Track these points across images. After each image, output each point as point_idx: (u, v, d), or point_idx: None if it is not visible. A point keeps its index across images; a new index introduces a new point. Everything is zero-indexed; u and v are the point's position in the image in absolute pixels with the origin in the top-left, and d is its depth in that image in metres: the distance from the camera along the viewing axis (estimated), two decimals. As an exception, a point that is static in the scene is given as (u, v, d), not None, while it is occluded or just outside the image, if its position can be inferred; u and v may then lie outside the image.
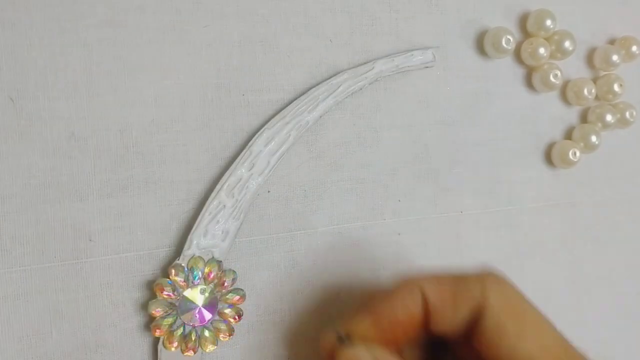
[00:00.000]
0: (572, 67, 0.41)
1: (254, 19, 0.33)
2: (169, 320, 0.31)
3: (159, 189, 0.31)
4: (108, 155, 0.31)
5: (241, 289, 0.32)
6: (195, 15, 0.32)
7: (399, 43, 0.36)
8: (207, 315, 0.31)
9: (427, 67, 0.36)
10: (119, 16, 0.31)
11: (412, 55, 0.36)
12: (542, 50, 0.38)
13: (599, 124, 0.40)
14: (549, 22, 0.39)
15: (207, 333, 0.31)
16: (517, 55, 0.39)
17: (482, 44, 0.38)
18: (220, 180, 0.32)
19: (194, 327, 0.31)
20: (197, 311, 0.31)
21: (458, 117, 0.38)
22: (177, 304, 0.31)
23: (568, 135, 0.41)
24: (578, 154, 0.39)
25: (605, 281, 0.41)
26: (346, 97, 0.34)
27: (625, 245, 0.42)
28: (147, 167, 0.31)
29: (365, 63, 0.35)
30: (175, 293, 0.31)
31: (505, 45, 0.37)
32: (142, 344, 0.31)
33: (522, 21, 0.40)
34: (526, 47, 0.39)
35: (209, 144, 0.32)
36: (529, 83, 0.40)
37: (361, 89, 0.35)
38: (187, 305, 0.31)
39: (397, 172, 0.36)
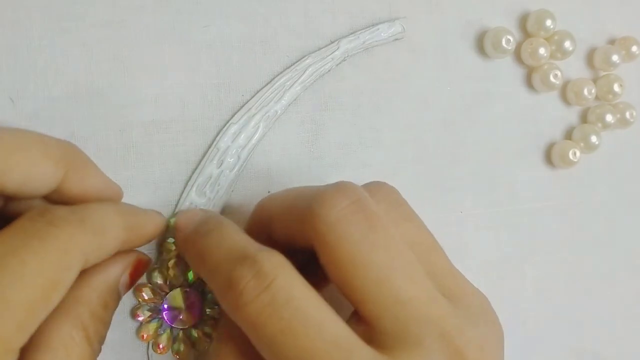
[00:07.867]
0: (572, 67, 0.41)
1: (254, 19, 0.33)
2: (155, 324, 0.30)
3: (159, 189, 0.31)
4: (108, 155, 0.30)
5: None
6: (195, 15, 0.32)
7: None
8: (193, 315, 0.31)
9: (396, 39, 0.35)
10: (119, 16, 0.31)
11: (379, 29, 0.35)
12: (542, 50, 0.38)
13: (599, 124, 0.40)
14: (549, 22, 0.39)
15: (195, 332, 0.31)
16: (517, 55, 0.39)
17: (482, 44, 0.38)
18: (190, 181, 0.32)
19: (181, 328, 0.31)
20: (181, 312, 0.31)
21: (458, 117, 0.38)
22: (160, 307, 0.30)
23: (568, 135, 0.41)
24: (578, 154, 0.39)
25: (605, 281, 0.41)
26: (314, 82, 0.33)
27: (625, 245, 0.42)
28: (147, 167, 0.31)
29: (329, 44, 0.34)
30: (158, 296, 0.30)
31: (505, 45, 0.37)
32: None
33: (522, 21, 0.40)
34: (526, 47, 0.39)
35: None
36: (529, 83, 0.40)
37: (329, 70, 0.34)
38: (170, 307, 0.31)
39: (397, 172, 0.36)
